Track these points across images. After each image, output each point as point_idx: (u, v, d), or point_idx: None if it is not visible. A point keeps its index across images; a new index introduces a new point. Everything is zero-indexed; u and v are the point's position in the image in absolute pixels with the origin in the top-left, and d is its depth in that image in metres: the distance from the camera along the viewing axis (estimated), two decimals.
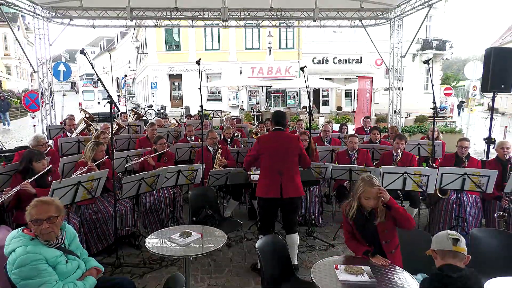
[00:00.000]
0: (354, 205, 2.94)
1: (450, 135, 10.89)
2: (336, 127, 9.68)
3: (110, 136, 4.73)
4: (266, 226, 4.03)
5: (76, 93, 36.21)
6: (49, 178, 4.05)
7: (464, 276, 2.08)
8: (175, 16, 9.99)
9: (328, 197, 6.49)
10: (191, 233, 3.29)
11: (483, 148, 7.60)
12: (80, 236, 3.95)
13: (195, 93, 10.28)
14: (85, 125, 7.67)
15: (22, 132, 17.49)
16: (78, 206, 4.51)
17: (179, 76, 25.49)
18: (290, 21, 10.92)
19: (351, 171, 5.10)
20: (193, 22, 10.80)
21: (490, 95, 6.56)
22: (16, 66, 39.96)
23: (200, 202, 4.48)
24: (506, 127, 11.49)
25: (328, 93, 25.29)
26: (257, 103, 24.49)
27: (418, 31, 9.84)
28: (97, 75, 5.07)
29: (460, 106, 23.70)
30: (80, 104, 20.75)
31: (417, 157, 6.11)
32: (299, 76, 23.10)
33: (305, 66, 5.69)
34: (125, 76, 22.26)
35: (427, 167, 5.11)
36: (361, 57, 23.97)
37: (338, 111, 22.26)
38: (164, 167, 4.63)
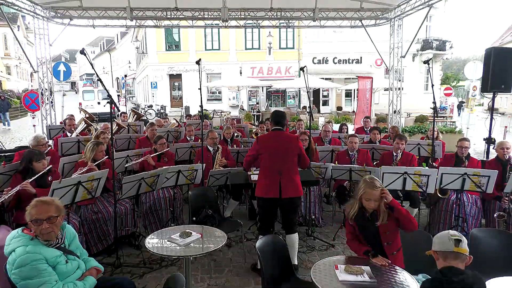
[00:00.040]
0: (356, 206, 2.95)
1: (450, 135, 10.90)
2: (336, 127, 9.69)
3: (110, 136, 4.74)
4: (266, 226, 4.02)
5: (76, 93, 36.25)
6: (49, 178, 4.05)
7: (465, 280, 2.04)
8: (175, 16, 9.99)
9: (328, 197, 6.49)
10: (191, 233, 3.29)
11: (483, 148, 7.59)
12: (80, 236, 3.95)
13: (195, 93, 10.28)
14: (85, 125, 7.68)
15: (22, 132, 17.49)
16: (78, 206, 4.51)
17: (179, 76, 25.48)
18: (290, 21, 10.92)
19: (351, 171, 5.10)
20: (193, 22, 10.80)
21: (490, 95, 6.56)
22: (16, 66, 39.97)
23: (200, 202, 4.48)
24: (506, 127, 11.49)
25: (328, 93, 25.29)
26: (257, 103, 24.49)
27: (418, 31, 9.84)
28: (97, 75, 5.08)
29: (460, 106, 23.70)
30: (80, 104, 20.73)
31: (417, 157, 6.11)
32: (299, 76, 23.11)
33: (305, 66, 5.69)
34: (125, 76, 22.26)
35: (427, 167, 5.11)
36: (361, 57, 23.96)
37: (338, 111, 22.25)
38: (164, 167, 4.63)
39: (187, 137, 7.04)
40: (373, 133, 7.03)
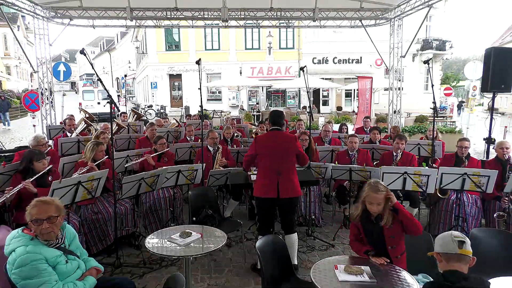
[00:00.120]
0: (360, 208, 2.96)
1: (450, 135, 10.90)
2: (336, 127, 9.68)
3: (110, 136, 4.74)
4: (265, 226, 4.02)
5: (76, 93, 36.21)
6: (50, 178, 4.05)
7: (468, 286, 1.98)
8: (175, 16, 10.00)
9: (328, 197, 6.49)
10: (191, 233, 3.29)
11: (483, 148, 7.60)
12: (80, 236, 3.95)
13: (195, 93, 10.28)
14: (85, 125, 7.68)
15: (22, 132, 17.49)
16: (78, 206, 4.51)
17: (179, 76, 25.49)
18: (290, 21, 10.93)
19: (351, 171, 5.10)
20: (193, 22, 10.80)
21: (490, 95, 6.56)
22: (16, 66, 39.97)
23: (200, 202, 4.48)
24: (506, 127, 11.48)
25: (328, 93, 25.28)
26: (257, 103, 24.50)
27: (418, 31, 9.84)
28: (97, 75, 5.07)
29: (460, 106, 23.73)
30: (80, 104, 20.74)
31: (417, 157, 6.11)
32: (299, 76, 23.11)
33: (305, 66, 5.69)
34: (125, 76, 22.28)
35: (427, 167, 5.11)
36: (361, 57, 23.97)
37: (338, 111, 22.25)
38: (164, 167, 4.64)
39: (187, 137, 7.04)
40: (373, 133, 7.03)
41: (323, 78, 21.41)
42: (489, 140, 6.50)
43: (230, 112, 20.49)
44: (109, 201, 4.58)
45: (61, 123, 9.00)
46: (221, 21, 9.94)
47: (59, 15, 9.67)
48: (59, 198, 3.22)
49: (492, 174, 4.30)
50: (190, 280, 3.25)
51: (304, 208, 5.37)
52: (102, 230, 4.42)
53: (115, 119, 9.22)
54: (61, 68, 10.59)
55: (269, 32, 22.22)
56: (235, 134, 7.52)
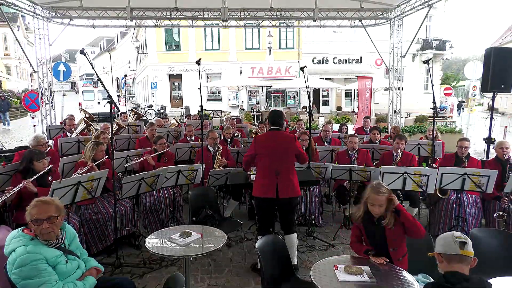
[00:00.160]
0: (362, 209, 2.96)
1: (450, 135, 10.90)
2: (336, 127, 9.69)
3: (110, 136, 4.73)
4: (265, 226, 4.01)
5: (76, 93, 36.21)
6: (50, 178, 4.05)
7: (469, 287, 1.97)
8: (175, 16, 10.00)
9: (328, 197, 6.49)
10: (191, 233, 3.29)
11: (483, 148, 7.59)
12: (80, 236, 3.95)
13: (195, 93, 10.28)
14: (85, 125, 7.68)
15: (22, 132, 17.49)
16: (78, 206, 4.51)
17: (179, 76, 25.49)
18: (290, 21, 10.93)
19: (351, 171, 5.10)
20: (193, 22, 10.81)
21: (490, 95, 6.56)
22: (16, 66, 39.97)
23: (200, 202, 4.48)
24: (506, 127, 11.49)
25: (328, 93, 25.29)
26: (257, 103, 24.50)
27: (418, 31, 9.84)
28: (97, 75, 5.07)
29: (460, 106, 23.72)
30: (80, 104, 20.74)
31: (417, 157, 6.11)
32: (299, 76, 23.11)
33: (305, 66, 5.69)
34: (125, 76, 22.31)
35: (427, 167, 5.11)
36: (361, 57, 23.97)
37: (338, 111, 22.26)
38: (164, 167, 4.63)
39: (187, 137, 7.04)
40: (373, 133, 7.03)
41: (323, 78, 21.42)
42: (489, 140, 6.49)
43: (230, 112, 20.49)
44: (109, 201, 4.58)
45: (61, 123, 9.00)
46: (221, 21, 9.94)
47: (59, 15, 9.67)
48: (59, 198, 3.22)
49: (492, 174, 4.30)
50: (190, 280, 3.25)
51: (304, 208, 5.37)
52: (102, 230, 4.42)
53: (115, 119, 9.22)
54: (61, 68, 10.59)
55: (269, 32, 22.22)
56: (235, 134, 7.52)
